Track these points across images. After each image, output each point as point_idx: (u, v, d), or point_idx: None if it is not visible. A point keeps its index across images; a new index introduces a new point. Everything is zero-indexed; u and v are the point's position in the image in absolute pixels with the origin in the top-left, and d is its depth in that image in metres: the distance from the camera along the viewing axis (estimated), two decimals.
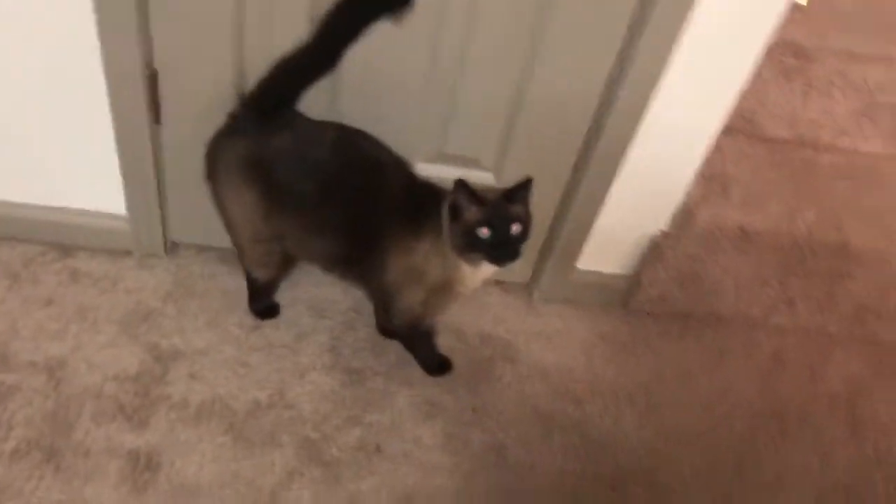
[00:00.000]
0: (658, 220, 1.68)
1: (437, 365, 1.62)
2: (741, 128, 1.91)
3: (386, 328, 1.65)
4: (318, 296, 1.70)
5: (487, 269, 1.34)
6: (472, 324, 1.73)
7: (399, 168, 1.37)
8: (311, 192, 1.33)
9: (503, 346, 1.71)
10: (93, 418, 1.42)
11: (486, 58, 1.41)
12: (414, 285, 1.38)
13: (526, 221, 1.28)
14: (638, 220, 1.67)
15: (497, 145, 1.56)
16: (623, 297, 1.83)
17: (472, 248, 1.28)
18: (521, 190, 1.28)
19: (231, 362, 1.56)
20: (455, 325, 1.71)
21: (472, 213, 1.26)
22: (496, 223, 1.25)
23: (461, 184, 1.25)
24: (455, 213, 1.28)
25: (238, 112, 1.35)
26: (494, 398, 1.61)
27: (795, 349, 1.85)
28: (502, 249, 1.27)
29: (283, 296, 1.68)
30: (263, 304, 1.64)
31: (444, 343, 1.67)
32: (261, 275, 1.56)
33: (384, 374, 1.60)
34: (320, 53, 1.29)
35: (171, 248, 1.71)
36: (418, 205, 1.35)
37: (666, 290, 1.79)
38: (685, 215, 1.68)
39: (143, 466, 1.38)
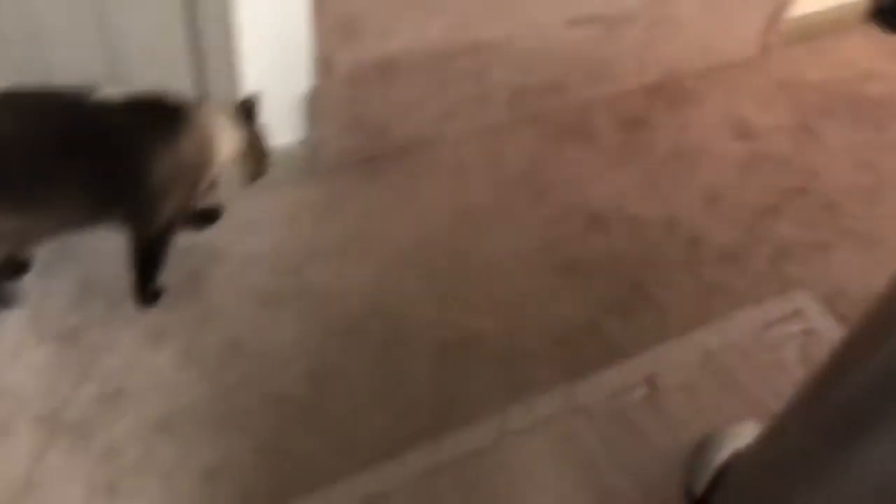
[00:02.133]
0: (301, 78, 1.73)
1: (157, 290, 1.62)
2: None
3: (141, 250, 1.57)
4: None
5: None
6: None
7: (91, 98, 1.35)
8: (23, 174, 1.28)
9: (207, 251, 1.72)
10: None
11: None
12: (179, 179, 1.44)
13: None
14: (282, 83, 1.70)
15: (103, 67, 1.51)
16: (306, 164, 1.88)
17: None
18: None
19: None
20: None
21: None
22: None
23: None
24: None
25: None
26: (216, 301, 1.64)
27: (474, 149, 2.02)
28: None
29: None
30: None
31: None
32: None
33: (99, 324, 1.57)
34: None
35: None
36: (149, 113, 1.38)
37: (341, 143, 1.87)
38: (326, 65, 1.73)
39: None
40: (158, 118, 1.41)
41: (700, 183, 2.02)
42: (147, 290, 1.60)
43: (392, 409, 1.51)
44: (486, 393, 1.55)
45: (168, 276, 1.65)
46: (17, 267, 1.60)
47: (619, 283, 1.79)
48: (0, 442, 1.40)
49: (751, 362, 1.64)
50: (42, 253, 1.64)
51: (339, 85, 1.76)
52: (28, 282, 1.61)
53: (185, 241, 1.71)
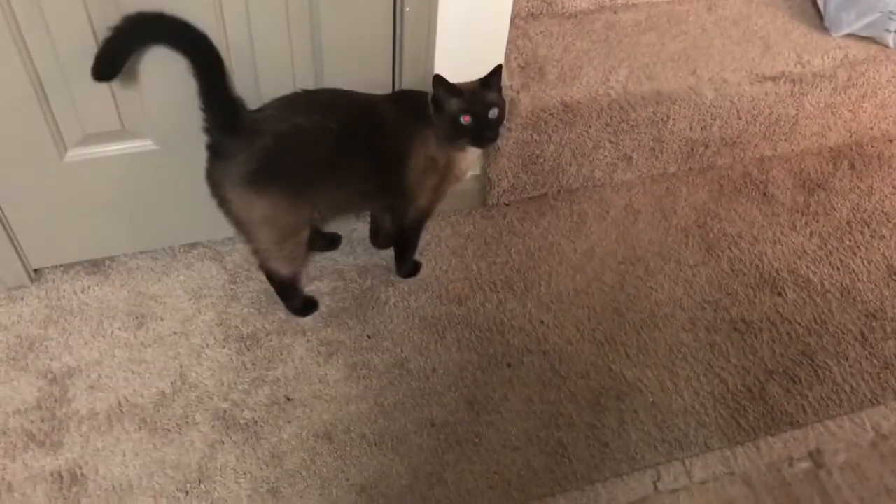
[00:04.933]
0: None
1: (416, 266, 1.79)
2: (544, 10, 2.02)
3: (392, 236, 1.76)
4: (191, 279, 1.75)
5: (473, 153, 1.60)
6: (349, 262, 1.81)
7: (372, 95, 1.51)
8: (324, 157, 1.44)
9: (381, 272, 1.80)
10: (5, 454, 1.46)
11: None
12: (430, 173, 1.55)
13: (501, 106, 1.49)
14: None
15: None
16: (479, 197, 1.93)
17: (457, 135, 1.48)
18: (493, 77, 1.48)
19: (126, 363, 1.60)
20: (332, 268, 1.79)
21: (452, 104, 1.46)
22: (476, 110, 1.45)
23: (438, 79, 1.44)
24: (438, 106, 1.47)
25: (211, 141, 1.41)
26: (384, 321, 1.71)
27: (643, 196, 2.01)
28: (484, 133, 1.47)
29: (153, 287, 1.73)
30: (300, 300, 1.69)
31: (328, 286, 1.75)
32: (290, 271, 1.61)
33: (276, 332, 1.67)
34: (199, 49, 1.33)
35: (36, 274, 1.72)
36: (411, 109, 1.51)
37: (514, 179, 1.91)
38: (511, 105, 1.77)
39: (68, 483, 1.43)
40: (417, 112, 1.50)
41: (882, 254, 1.92)
42: (405, 265, 1.76)
43: (546, 451, 1.51)
44: (641, 446, 1.54)
45: (346, 292, 1.74)
46: (330, 242, 1.82)
47: (789, 348, 1.72)
48: (183, 433, 1.51)
49: None
50: (237, 258, 1.77)
51: (519, 125, 1.80)
52: (218, 285, 1.74)
53: (360, 262, 1.81)
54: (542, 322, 1.74)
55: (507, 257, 1.86)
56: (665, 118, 1.91)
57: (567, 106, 1.82)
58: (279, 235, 1.52)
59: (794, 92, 1.98)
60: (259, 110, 1.44)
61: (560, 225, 1.93)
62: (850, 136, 2.17)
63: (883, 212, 2.02)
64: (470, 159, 1.61)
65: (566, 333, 1.72)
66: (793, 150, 2.14)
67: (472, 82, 1.49)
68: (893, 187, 2.08)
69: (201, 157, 1.43)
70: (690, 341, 1.73)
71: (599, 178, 2.00)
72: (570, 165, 1.94)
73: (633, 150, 1.96)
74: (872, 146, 2.18)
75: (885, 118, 2.15)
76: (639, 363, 1.68)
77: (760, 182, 2.07)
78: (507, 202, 1.96)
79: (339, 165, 1.47)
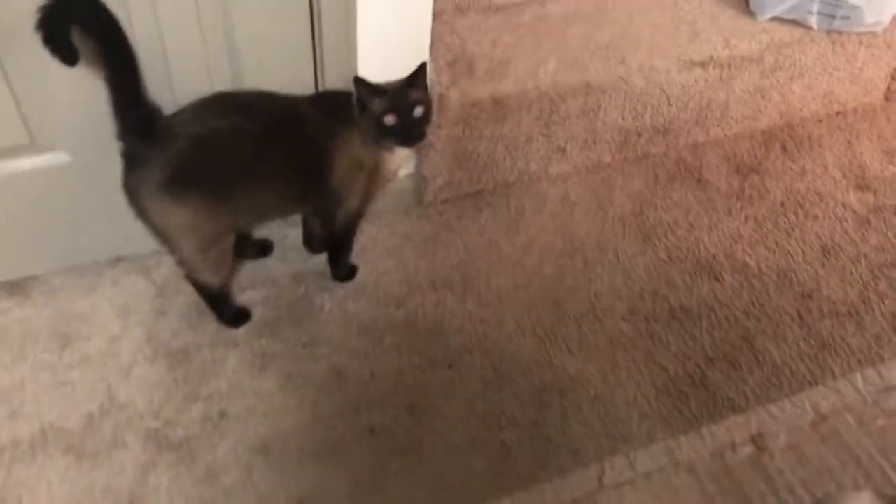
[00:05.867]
0: None
1: (351, 269, 1.75)
2: (471, 5, 1.99)
3: (324, 240, 1.72)
4: (118, 295, 1.68)
5: (401, 153, 1.54)
6: (282, 268, 1.77)
7: (293, 96, 1.47)
8: (244, 160, 1.39)
9: (316, 278, 1.75)
10: None
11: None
12: (357, 174, 1.52)
13: (427, 104, 1.45)
14: None
15: None
16: (414, 196, 1.90)
17: (382, 135, 1.44)
18: (418, 76, 1.44)
19: (51, 387, 1.53)
20: (265, 276, 1.75)
21: (375, 104, 1.41)
22: (400, 109, 1.41)
23: (359, 81, 1.40)
24: (362, 107, 1.42)
25: (125, 148, 1.35)
26: (320, 328, 1.67)
27: (579, 188, 2.00)
28: (410, 132, 1.43)
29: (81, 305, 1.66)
30: (231, 310, 1.64)
31: (261, 294, 1.71)
32: (218, 280, 1.57)
33: (208, 345, 1.62)
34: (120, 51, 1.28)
35: None
36: (334, 110, 1.46)
37: (449, 176, 1.88)
38: (441, 102, 1.74)
39: None
40: (340, 113, 1.46)
41: (816, 234, 1.94)
42: (340, 268, 1.73)
43: (490, 452, 1.49)
44: (585, 441, 1.52)
45: (279, 299, 1.70)
46: (261, 248, 1.77)
47: (728, 334, 1.73)
48: (112, 456, 1.45)
49: (866, 428, 1.55)
50: (165, 271, 1.71)
51: (450, 120, 1.77)
52: (146, 299, 1.68)
53: (294, 268, 1.76)
54: (483, 320, 1.71)
55: (445, 256, 1.83)
56: (596, 108, 1.90)
57: (497, 101, 1.80)
58: (202, 243, 1.47)
59: (723, 76, 1.99)
60: (175, 114, 1.38)
61: (498, 220, 1.91)
62: (781, 118, 2.19)
63: (815, 192, 2.04)
64: (399, 159, 1.57)
65: (507, 330, 1.70)
66: (725, 134, 2.15)
67: (397, 81, 1.46)
68: (824, 167, 2.11)
69: (119, 166, 1.37)
70: (630, 332, 1.72)
71: (535, 171, 1.98)
72: (505, 160, 1.92)
73: (566, 142, 1.95)
74: (803, 127, 2.21)
75: (813, 99, 2.18)
76: (580, 357, 1.66)
77: (694, 168, 2.08)
78: (443, 200, 1.93)
79: (261, 168, 1.42)
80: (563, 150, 1.96)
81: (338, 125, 1.46)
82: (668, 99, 1.96)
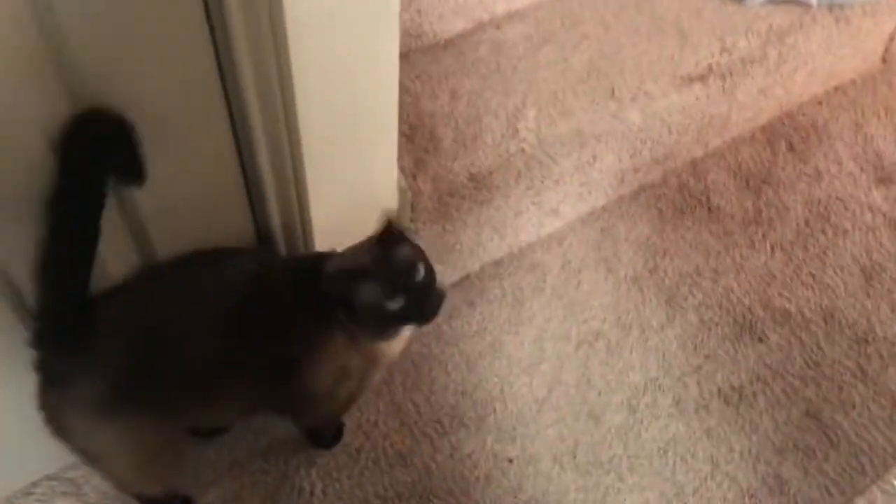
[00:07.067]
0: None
1: (337, 431, 1.40)
2: (412, 45, 1.58)
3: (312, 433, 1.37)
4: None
5: (408, 331, 1.08)
6: (247, 444, 1.40)
7: (260, 268, 1.06)
8: (200, 355, 0.99)
9: (294, 447, 1.40)
10: None
11: None
12: (343, 382, 1.12)
13: (420, 253, 1.01)
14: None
15: None
16: None
17: (391, 324, 1.02)
18: (387, 230, 1.00)
19: None
20: (228, 460, 1.37)
21: (367, 292, 0.97)
22: (401, 283, 0.97)
23: (331, 276, 0.98)
24: (347, 304, 0.98)
25: (42, 358, 0.93)
26: None
27: (579, 248, 1.68)
28: (424, 305, 0.99)
29: None
30: None
31: (229, 489, 1.34)
32: (162, 488, 1.22)
33: None
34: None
35: None
36: (309, 296, 1.01)
37: None
38: (415, 198, 1.36)
39: None
40: (318, 302, 1.01)
41: (851, 255, 1.68)
42: (322, 439, 1.38)
43: None
44: None
45: (249, 494, 1.34)
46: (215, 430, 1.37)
47: (790, 412, 1.48)
48: None
49: None
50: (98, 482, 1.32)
51: (425, 220, 1.40)
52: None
53: (261, 441, 1.39)
54: (510, 460, 1.40)
55: (445, 381, 1.49)
56: (591, 160, 1.56)
57: (476, 178, 1.43)
58: (141, 459, 1.10)
59: (726, 87, 1.66)
60: (105, 298, 0.97)
61: (496, 314, 1.57)
62: (781, 110, 1.89)
63: (837, 198, 1.78)
64: (404, 339, 1.12)
65: (543, 468, 1.39)
66: (724, 142, 1.84)
67: (364, 245, 1.03)
68: (838, 163, 1.83)
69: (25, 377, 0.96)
70: (683, 433, 1.44)
71: (525, 240, 1.63)
72: (492, 240, 1.57)
73: (559, 203, 1.60)
74: (804, 114, 1.92)
75: (815, 82, 1.88)
76: (635, 485, 1.38)
77: (700, 193, 1.77)
78: None
79: (219, 366, 1.03)
80: (556, 211, 1.62)
81: (315, 323, 1.04)
82: (669, 128, 1.63)
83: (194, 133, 0.98)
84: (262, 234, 1.19)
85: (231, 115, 0.99)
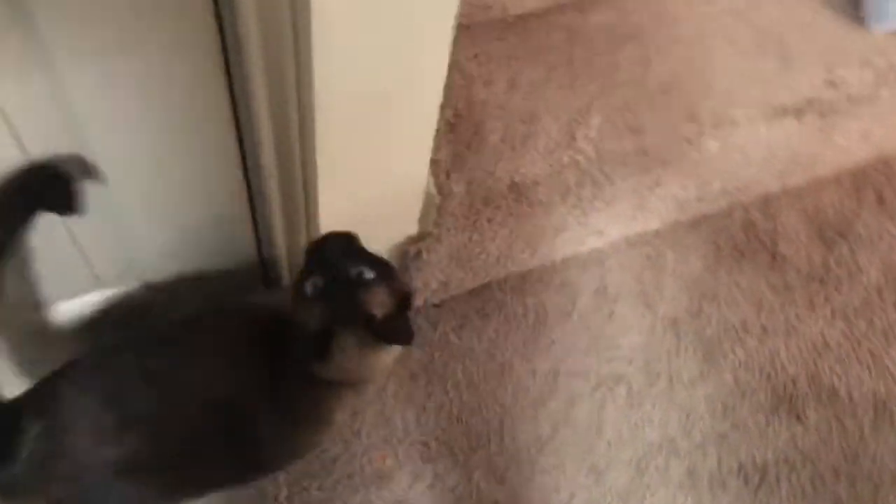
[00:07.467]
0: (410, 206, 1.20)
1: None
2: (478, 16, 1.38)
3: None
4: None
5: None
6: None
7: (242, 321, 1.00)
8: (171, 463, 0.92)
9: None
10: None
11: None
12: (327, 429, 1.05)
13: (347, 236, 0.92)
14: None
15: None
16: None
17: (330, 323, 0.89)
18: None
19: None
20: None
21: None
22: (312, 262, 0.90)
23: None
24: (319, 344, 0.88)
25: None
26: None
27: (619, 272, 1.49)
28: (345, 282, 0.89)
29: None
30: None
31: None
32: None
33: None
34: None
35: None
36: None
37: (446, 278, 1.37)
38: (443, 200, 1.20)
39: None
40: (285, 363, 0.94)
41: None
42: None
43: None
44: None
45: None
46: None
47: None
48: None
49: None
50: None
51: (452, 227, 1.24)
52: None
53: None
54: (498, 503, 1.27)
55: (442, 398, 1.35)
56: (653, 185, 1.37)
57: (519, 191, 1.27)
58: None
59: (823, 127, 1.45)
60: (63, 393, 0.88)
61: (511, 333, 1.42)
62: (878, 154, 1.66)
63: None
64: (393, 355, 1.01)
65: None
66: (805, 181, 1.63)
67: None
68: None
69: None
70: None
71: (561, 257, 1.46)
72: (523, 253, 1.40)
73: (606, 225, 1.42)
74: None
75: None
76: None
77: (767, 236, 1.57)
78: (436, 303, 1.42)
79: (197, 443, 0.95)
80: (601, 232, 1.44)
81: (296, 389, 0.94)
82: (748, 161, 1.44)
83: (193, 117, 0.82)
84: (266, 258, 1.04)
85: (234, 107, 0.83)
